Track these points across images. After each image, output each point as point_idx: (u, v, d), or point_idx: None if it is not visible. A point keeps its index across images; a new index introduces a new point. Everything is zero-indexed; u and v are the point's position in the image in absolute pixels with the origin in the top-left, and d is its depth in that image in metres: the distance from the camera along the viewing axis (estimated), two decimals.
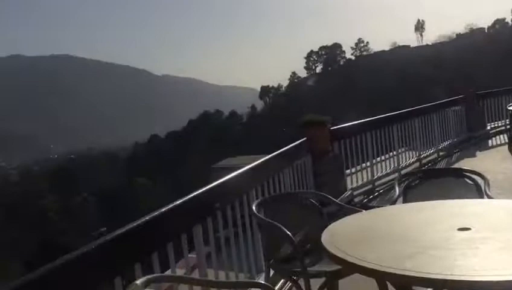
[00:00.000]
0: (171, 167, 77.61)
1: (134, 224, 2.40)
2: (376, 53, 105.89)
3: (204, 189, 3.20)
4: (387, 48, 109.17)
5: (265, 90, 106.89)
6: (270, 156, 4.65)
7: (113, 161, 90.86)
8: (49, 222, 59.91)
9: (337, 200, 3.25)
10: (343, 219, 2.48)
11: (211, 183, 3.34)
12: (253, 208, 2.97)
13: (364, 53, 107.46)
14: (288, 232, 2.61)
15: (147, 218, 2.51)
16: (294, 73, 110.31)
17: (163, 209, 2.66)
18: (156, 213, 2.59)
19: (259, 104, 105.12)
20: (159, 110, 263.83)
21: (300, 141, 5.63)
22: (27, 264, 48.60)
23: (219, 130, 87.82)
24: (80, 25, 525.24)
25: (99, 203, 70.12)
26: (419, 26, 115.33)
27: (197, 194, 3.08)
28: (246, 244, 3.63)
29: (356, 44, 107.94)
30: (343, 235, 2.18)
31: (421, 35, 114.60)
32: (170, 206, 2.73)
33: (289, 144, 5.28)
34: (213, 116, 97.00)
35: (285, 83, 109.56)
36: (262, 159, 4.43)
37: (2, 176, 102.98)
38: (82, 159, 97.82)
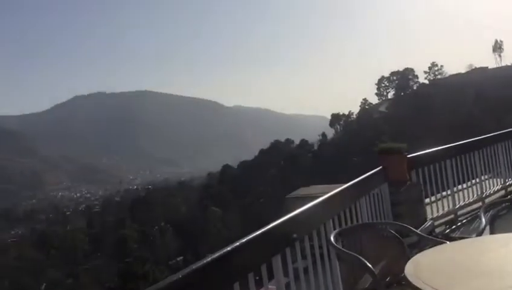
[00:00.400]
0: (243, 196, 78.49)
1: (219, 254, 2.47)
2: (451, 76, 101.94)
3: (282, 219, 3.20)
4: (463, 71, 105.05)
5: (335, 118, 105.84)
6: (346, 185, 4.59)
7: (187, 191, 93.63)
8: (128, 251, 62.36)
9: (417, 231, 3.16)
10: (427, 250, 2.41)
11: (286, 213, 3.32)
12: (332, 238, 2.95)
13: (439, 76, 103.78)
14: (369, 264, 2.58)
15: (229, 248, 2.56)
16: (365, 99, 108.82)
17: (244, 240, 2.70)
18: (237, 244, 2.64)
19: (330, 132, 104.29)
20: (231, 141, 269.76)
21: (376, 169, 5.53)
22: None
23: (290, 159, 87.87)
24: (155, 61, 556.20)
25: (175, 231, 72.14)
26: (497, 47, 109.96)
27: (275, 225, 3.08)
28: (324, 275, 3.59)
29: (429, 68, 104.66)
30: (429, 268, 2.13)
31: (500, 56, 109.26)
32: (250, 236, 2.77)
33: (361, 173, 5.17)
34: (283, 145, 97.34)
35: (356, 110, 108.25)
36: (339, 189, 4.38)
37: (87, 207, 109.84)
38: (159, 189, 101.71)
